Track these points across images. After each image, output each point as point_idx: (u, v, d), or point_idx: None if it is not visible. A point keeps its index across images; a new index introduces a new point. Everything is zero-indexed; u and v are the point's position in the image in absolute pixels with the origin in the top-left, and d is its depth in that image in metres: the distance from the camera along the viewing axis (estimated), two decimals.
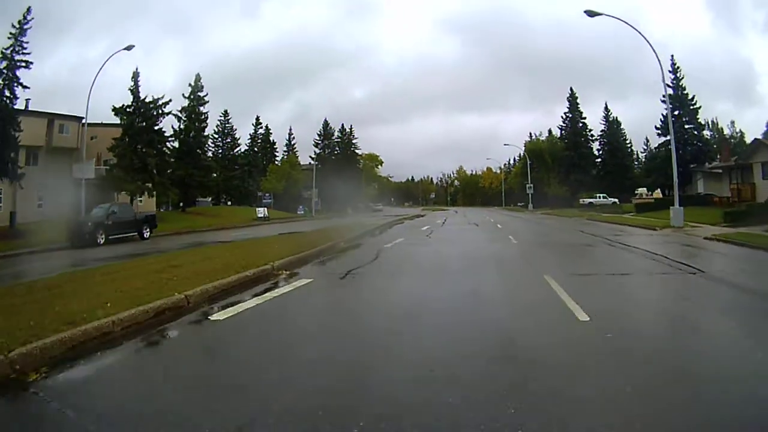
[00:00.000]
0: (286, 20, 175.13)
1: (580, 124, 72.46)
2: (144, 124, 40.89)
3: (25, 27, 31.67)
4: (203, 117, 51.06)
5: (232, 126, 73.63)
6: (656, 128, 51.97)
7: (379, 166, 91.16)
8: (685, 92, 48.72)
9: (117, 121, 41.80)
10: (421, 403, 3.43)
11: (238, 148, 75.34)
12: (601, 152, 72.31)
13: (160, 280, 7.96)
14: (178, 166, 46.03)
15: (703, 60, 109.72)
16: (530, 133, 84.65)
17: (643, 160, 79.19)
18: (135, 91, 41.03)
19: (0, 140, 29.78)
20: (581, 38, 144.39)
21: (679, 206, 24.65)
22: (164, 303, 6.36)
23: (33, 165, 37.35)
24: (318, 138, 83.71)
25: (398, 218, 40.16)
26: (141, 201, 42.94)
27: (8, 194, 32.98)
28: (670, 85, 34.99)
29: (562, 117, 74.21)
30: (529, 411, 3.24)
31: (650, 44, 26.32)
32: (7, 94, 30.95)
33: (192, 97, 50.07)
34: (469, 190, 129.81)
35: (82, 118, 32.39)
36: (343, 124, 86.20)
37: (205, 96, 50.93)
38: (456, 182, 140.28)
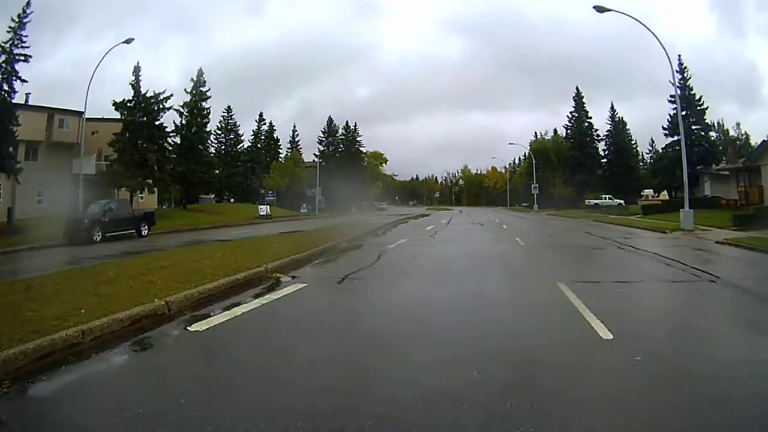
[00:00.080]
0: (290, 18, 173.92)
1: (586, 124, 71.88)
2: (145, 119, 40.39)
3: (25, 21, 31.49)
4: (205, 112, 50.52)
5: (236, 122, 72.88)
6: (663, 128, 51.41)
7: (384, 165, 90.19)
8: (692, 92, 48.09)
9: (118, 116, 41.37)
10: None
11: (241, 145, 74.59)
12: (606, 152, 71.74)
13: (143, 283, 7.41)
14: (179, 161, 45.51)
15: (706, 61, 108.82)
16: (535, 133, 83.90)
17: (649, 161, 78.63)
18: (136, 85, 40.57)
19: None
20: (584, 38, 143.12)
21: (689, 209, 24.09)
22: (142, 310, 5.81)
23: (32, 160, 37.03)
24: (322, 135, 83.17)
25: (402, 218, 39.67)
26: (142, 198, 42.60)
27: (6, 190, 32.53)
28: (677, 85, 34.25)
29: (567, 116, 73.81)
30: None
31: (660, 42, 25.82)
32: (6, 88, 30.62)
33: (194, 92, 49.55)
34: (473, 190, 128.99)
35: (83, 112, 32.05)
36: (347, 122, 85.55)
37: (207, 91, 50.46)
38: (461, 181, 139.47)
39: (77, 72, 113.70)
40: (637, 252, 14.55)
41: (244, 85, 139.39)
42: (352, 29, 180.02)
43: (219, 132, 70.14)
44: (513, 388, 3.76)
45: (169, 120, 50.96)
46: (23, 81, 31.59)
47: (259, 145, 79.51)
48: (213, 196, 67.05)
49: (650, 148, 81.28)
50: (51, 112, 38.97)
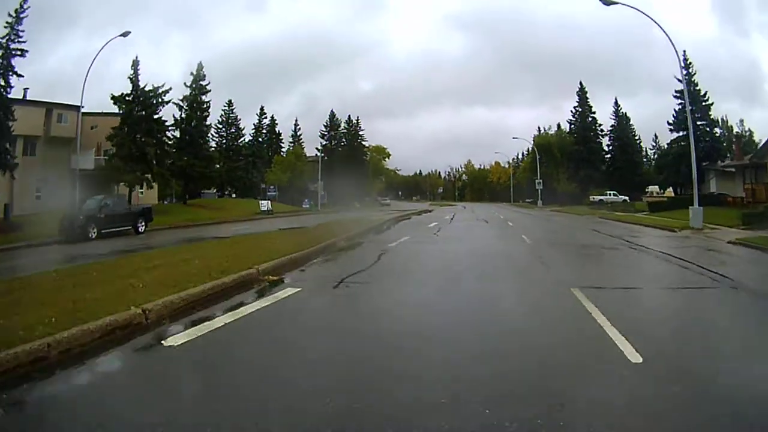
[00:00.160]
0: (292, 14, 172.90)
1: (590, 119, 71.31)
2: (143, 112, 39.80)
3: (22, 16, 31.22)
4: (205, 106, 50.02)
5: (236, 116, 72.09)
6: (669, 123, 50.96)
7: (387, 159, 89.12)
8: (698, 88, 47.51)
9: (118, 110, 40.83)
10: None
11: (242, 139, 73.82)
12: (611, 148, 71.22)
13: (124, 287, 6.86)
14: (179, 156, 44.99)
15: (708, 58, 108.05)
16: (539, 127, 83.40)
17: (653, 157, 77.99)
18: (134, 79, 39.96)
19: None
20: (586, 34, 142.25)
21: (699, 206, 23.53)
22: (114, 320, 5.25)
23: (30, 155, 36.76)
24: (324, 130, 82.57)
25: (405, 213, 39.13)
26: (142, 193, 42.12)
27: (3, 185, 32.05)
28: (682, 80, 33.80)
29: (571, 111, 73.24)
30: None
31: (667, 35, 25.27)
32: (2, 83, 30.22)
33: (194, 85, 48.99)
34: (477, 185, 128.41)
35: (82, 107, 31.69)
36: (349, 116, 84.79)
37: (207, 85, 49.91)
38: (464, 176, 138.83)
39: (80, 69, 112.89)
40: (648, 252, 14.02)
41: (246, 80, 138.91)
42: (354, 25, 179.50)
43: (220, 126, 69.63)
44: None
45: (169, 114, 50.36)
46: (19, 76, 31.34)
47: (260, 140, 78.73)
48: (215, 190, 66.62)
49: (654, 144, 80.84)
50: (49, 106, 38.71)
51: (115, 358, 4.68)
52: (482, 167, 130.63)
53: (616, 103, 71.47)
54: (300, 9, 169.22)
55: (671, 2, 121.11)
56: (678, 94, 47.69)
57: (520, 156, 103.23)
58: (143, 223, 24.75)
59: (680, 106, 46.99)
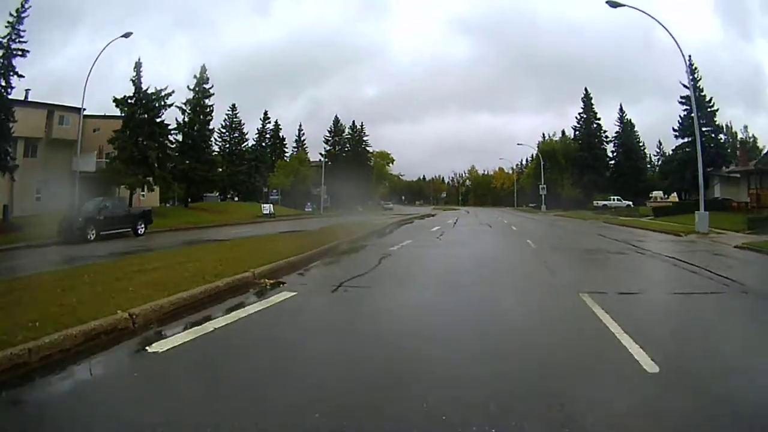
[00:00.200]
0: (297, 18, 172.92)
1: (595, 125, 71.36)
2: (146, 116, 39.52)
3: (23, 16, 30.94)
4: (208, 110, 49.68)
5: (240, 120, 72.07)
6: (674, 129, 50.74)
7: (391, 164, 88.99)
8: (703, 94, 47.18)
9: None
10: None
11: (245, 143, 73.74)
12: (615, 154, 71.20)
13: (113, 290, 6.59)
14: (181, 159, 44.72)
15: (712, 63, 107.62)
16: (543, 134, 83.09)
17: (657, 163, 77.76)
18: (137, 82, 39.66)
19: None
20: (590, 40, 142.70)
21: (705, 211, 23.27)
22: (99, 324, 5.00)
23: (32, 157, 36.65)
24: (328, 135, 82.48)
25: (408, 217, 38.87)
26: (144, 195, 41.96)
27: (2, 187, 31.88)
28: (689, 86, 33.64)
29: (576, 117, 73.38)
30: None
31: (674, 38, 24.96)
32: (2, 83, 29.99)
33: (197, 89, 48.77)
34: (480, 190, 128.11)
35: (84, 109, 31.45)
36: (353, 121, 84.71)
37: (210, 88, 49.59)
38: (468, 182, 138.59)
39: (82, 70, 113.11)
40: (656, 257, 13.75)
41: (250, 84, 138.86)
42: (359, 29, 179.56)
43: (223, 130, 69.60)
44: None
45: (172, 118, 50.26)
46: (20, 76, 31.00)
47: (264, 144, 78.74)
48: (217, 194, 66.54)
49: (658, 150, 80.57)
50: (51, 108, 38.56)
51: (97, 364, 4.43)
52: (486, 173, 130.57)
53: (621, 109, 71.52)
54: (305, 13, 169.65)
55: (673, 6, 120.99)
56: (684, 100, 47.52)
57: (524, 162, 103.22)
58: (143, 226, 24.52)
59: (686, 112, 46.83)
